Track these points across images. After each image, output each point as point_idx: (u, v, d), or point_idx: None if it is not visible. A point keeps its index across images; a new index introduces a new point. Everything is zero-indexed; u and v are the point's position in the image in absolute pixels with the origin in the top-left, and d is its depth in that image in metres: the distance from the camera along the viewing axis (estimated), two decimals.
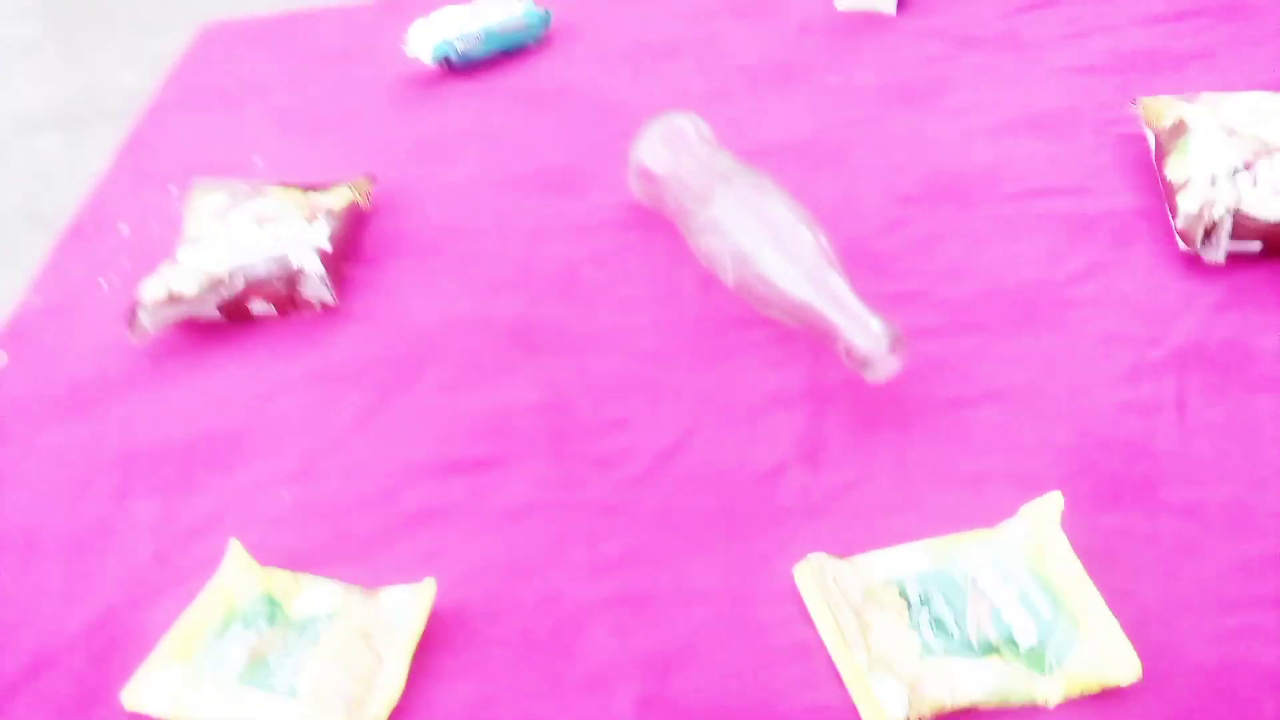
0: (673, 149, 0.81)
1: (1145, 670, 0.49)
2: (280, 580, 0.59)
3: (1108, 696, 0.49)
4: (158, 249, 0.85)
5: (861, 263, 0.72)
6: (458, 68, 1.05)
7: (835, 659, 0.52)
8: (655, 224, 0.82)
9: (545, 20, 1.10)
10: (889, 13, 1.04)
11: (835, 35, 1.03)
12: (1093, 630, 0.51)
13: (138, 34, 2.72)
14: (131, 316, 0.77)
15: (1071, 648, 0.51)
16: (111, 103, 2.32)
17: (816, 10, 1.07)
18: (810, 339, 0.69)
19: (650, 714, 0.52)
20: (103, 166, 1.03)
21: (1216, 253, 0.71)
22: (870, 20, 1.04)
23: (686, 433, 0.66)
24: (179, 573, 0.62)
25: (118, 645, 0.59)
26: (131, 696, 0.55)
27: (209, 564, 0.61)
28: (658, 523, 0.61)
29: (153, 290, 0.77)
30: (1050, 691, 0.49)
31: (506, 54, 1.08)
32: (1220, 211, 0.70)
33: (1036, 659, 0.51)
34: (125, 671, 0.57)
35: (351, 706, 0.52)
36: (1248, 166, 0.72)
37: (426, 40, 1.05)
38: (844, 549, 0.57)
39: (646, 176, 0.82)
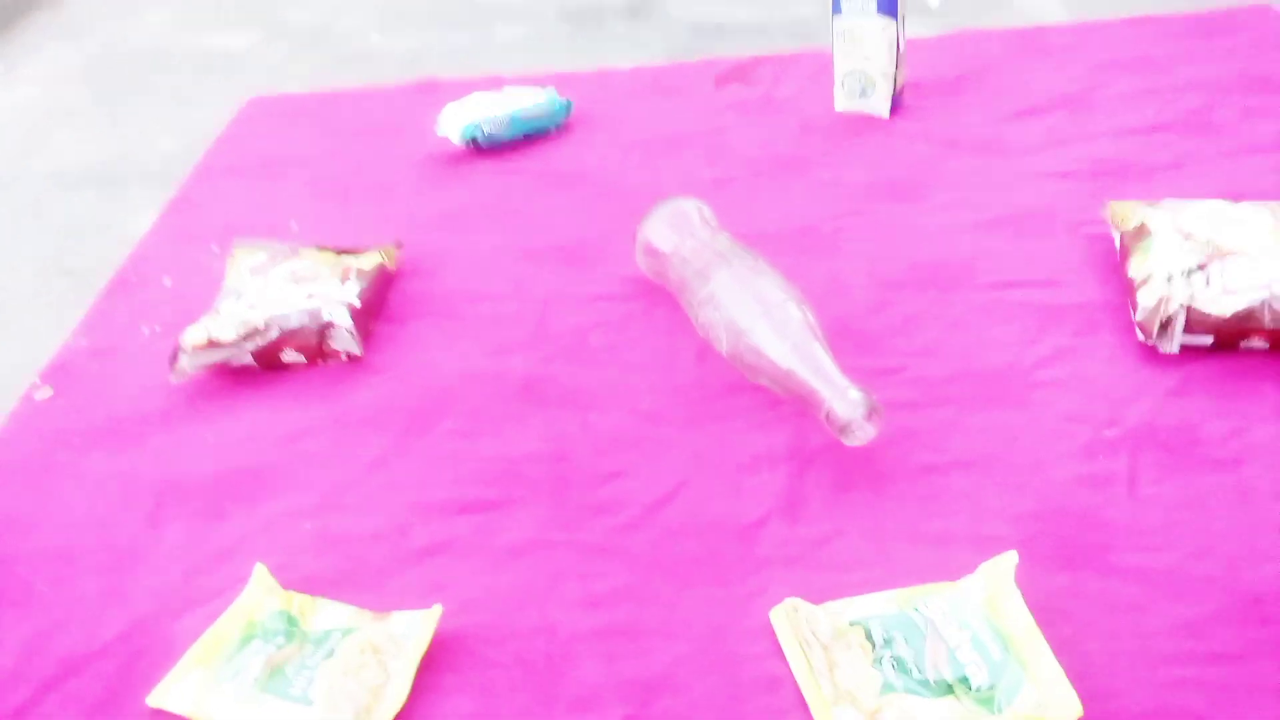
0: (677, 229, 0.88)
1: (1086, 712, 0.54)
2: (299, 601, 0.65)
3: None
4: (197, 301, 0.93)
5: (846, 340, 0.78)
6: (484, 148, 1.14)
7: (804, 691, 0.57)
8: (658, 297, 0.89)
9: (567, 109, 1.19)
10: (883, 116, 1.13)
11: (832, 134, 1.11)
12: (1039, 674, 0.56)
13: (177, 104, 2.85)
14: (173, 358, 0.84)
15: (1019, 688, 0.56)
16: (148, 165, 2.43)
17: (816, 111, 1.16)
18: (795, 405, 0.75)
19: None
20: (136, 223, 1.10)
21: (1171, 344, 0.77)
22: (865, 122, 1.13)
23: (678, 485, 0.72)
24: (204, 592, 0.68)
25: (145, 653, 0.64)
26: (157, 697, 0.60)
27: (233, 585, 0.67)
28: (647, 564, 0.66)
29: (194, 335, 0.84)
30: None
31: (529, 138, 1.16)
32: (1175, 307, 0.77)
33: (986, 698, 0.56)
34: (151, 677, 0.62)
35: (360, 714, 0.57)
36: (1202, 267, 0.78)
37: (456, 121, 1.13)
38: (817, 596, 0.63)
39: (652, 253, 0.89)
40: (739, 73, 1.26)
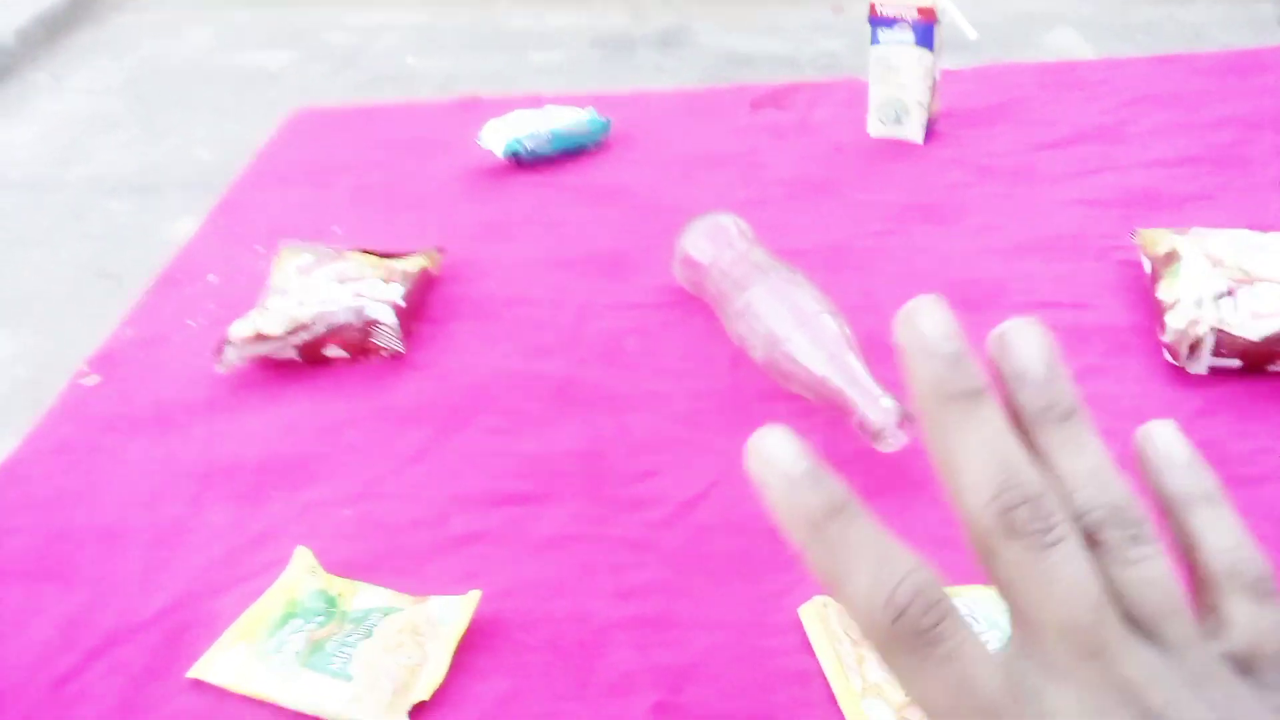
0: (715, 242, 0.90)
1: None
2: (339, 583, 0.66)
3: None
4: (242, 298, 0.95)
5: (879, 352, 0.80)
6: (525, 163, 1.16)
7: (832, 684, 0.58)
8: (693, 306, 0.91)
9: (606, 127, 1.21)
10: (917, 141, 1.15)
11: (867, 158, 1.14)
12: None
13: (214, 116, 2.91)
14: (219, 349, 0.86)
15: None
16: (185, 174, 2.48)
17: (850, 136, 1.18)
18: (827, 413, 0.76)
19: (665, 718, 0.58)
20: (173, 230, 1.14)
21: (1199, 366, 0.79)
22: (899, 147, 1.15)
23: (710, 485, 0.73)
24: (246, 572, 0.69)
25: (187, 628, 0.65)
26: (199, 669, 0.61)
27: (273, 566, 0.69)
28: (679, 559, 0.68)
29: (241, 328, 0.86)
30: None
31: (569, 154, 1.19)
32: (1204, 329, 0.78)
33: None
34: (192, 651, 0.63)
35: (398, 691, 0.59)
36: (1231, 292, 0.80)
37: (499, 136, 1.16)
38: None
39: (690, 264, 0.91)
40: (774, 98, 1.28)
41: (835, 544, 0.27)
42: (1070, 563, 0.26)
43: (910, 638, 0.25)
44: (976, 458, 0.27)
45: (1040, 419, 0.29)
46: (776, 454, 0.28)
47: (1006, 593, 0.27)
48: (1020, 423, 0.29)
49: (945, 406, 0.28)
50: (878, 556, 0.26)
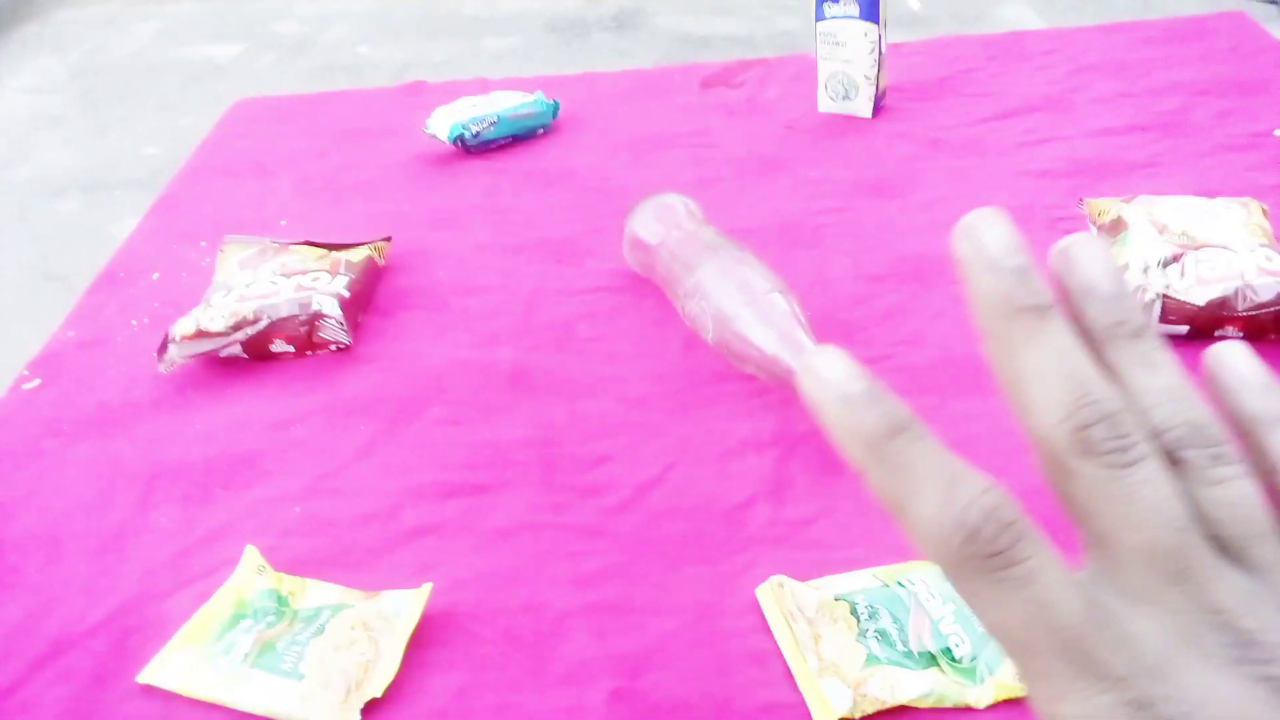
0: (663, 222, 0.89)
1: None
2: (289, 582, 0.65)
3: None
4: (186, 295, 0.93)
5: (831, 330, 0.80)
6: (471, 148, 1.15)
7: (790, 664, 0.58)
8: (644, 290, 0.90)
9: (554, 110, 1.20)
10: (866, 116, 1.14)
11: (816, 134, 1.13)
12: None
13: (161, 111, 2.85)
14: (162, 348, 0.84)
15: (1001, 659, 0.57)
16: (133, 172, 2.43)
17: (800, 112, 1.17)
18: (781, 393, 0.76)
19: (622, 706, 0.57)
20: (121, 229, 1.11)
21: None
22: (848, 122, 1.14)
23: (665, 469, 0.73)
24: (193, 574, 0.68)
25: (135, 632, 0.64)
26: (148, 674, 0.60)
27: (222, 567, 0.67)
28: (635, 544, 0.67)
29: (183, 326, 0.85)
30: (980, 695, 0.55)
31: (517, 138, 1.17)
32: (1151, 296, 0.78)
33: (969, 669, 0.57)
34: (141, 656, 0.62)
35: (351, 689, 0.58)
36: (1176, 258, 0.80)
37: (444, 122, 1.14)
38: (803, 574, 0.64)
39: (639, 246, 0.90)
40: (724, 76, 1.28)
41: (898, 464, 0.25)
42: (1151, 483, 0.24)
43: (982, 560, 0.24)
44: (1047, 374, 0.25)
45: (1110, 335, 0.27)
46: (832, 374, 0.26)
47: (1082, 515, 0.25)
48: (1089, 341, 0.27)
49: (1011, 322, 0.26)
50: (945, 476, 0.24)
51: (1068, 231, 0.93)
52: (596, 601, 0.63)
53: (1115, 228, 0.86)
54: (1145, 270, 0.80)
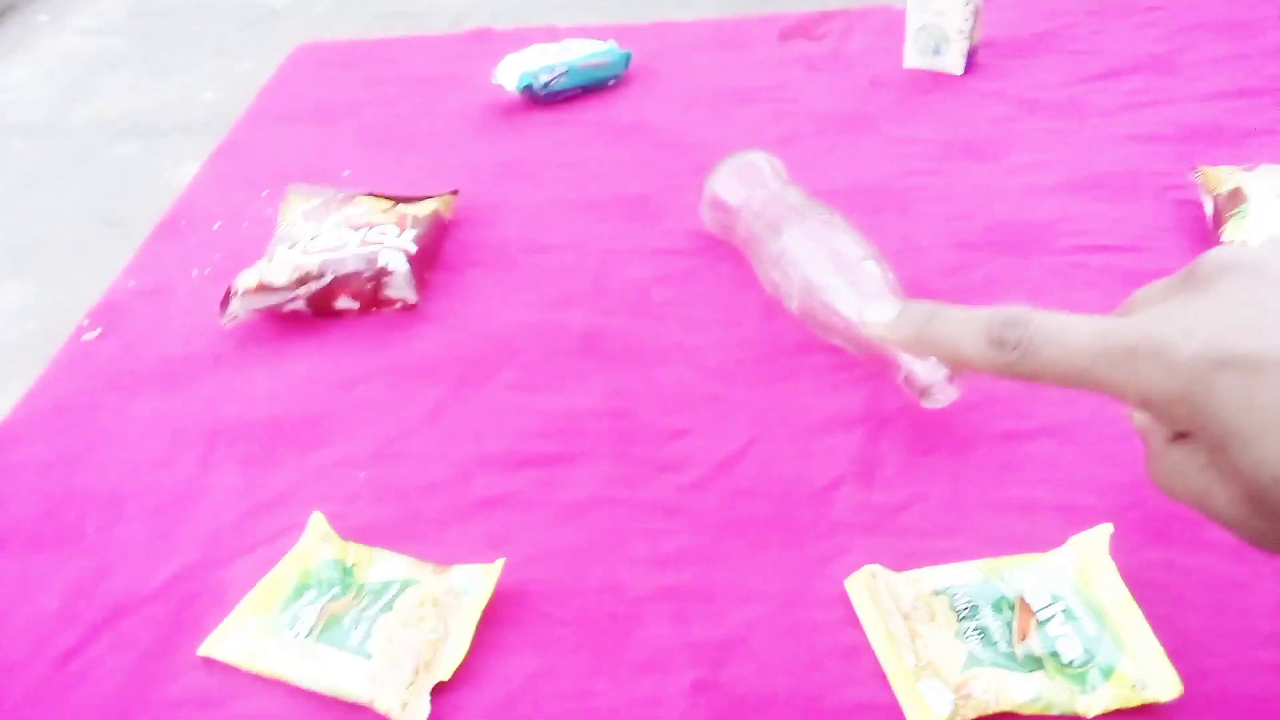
0: (746, 182, 0.84)
1: (1184, 692, 0.51)
2: (355, 551, 0.63)
3: (1145, 712, 0.51)
4: (248, 245, 0.90)
5: (925, 299, 0.75)
6: (540, 98, 1.11)
7: (883, 661, 0.54)
8: (723, 252, 0.85)
9: (626, 60, 1.15)
10: (957, 73, 1.08)
11: (903, 91, 1.07)
12: (1137, 651, 0.53)
13: (220, 56, 2.83)
14: (225, 302, 0.82)
15: (1115, 665, 0.52)
16: (190, 116, 2.41)
17: (886, 68, 1.11)
18: (869, 366, 0.72)
19: (704, 699, 0.54)
20: (179, 174, 1.09)
21: None
22: (938, 79, 1.08)
23: (746, 445, 0.69)
24: (256, 539, 0.65)
25: (196, 599, 0.62)
26: (208, 647, 0.58)
27: (284, 533, 0.65)
28: (715, 525, 0.63)
29: (246, 279, 0.82)
30: (1091, 703, 0.51)
31: (587, 90, 1.13)
32: None
33: (1079, 674, 0.53)
34: (202, 622, 0.60)
35: (419, 669, 0.55)
36: None
37: (513, 71, 1.10)
38: (895, 564, 0.60)
39: (719, 207, 0.85)
40: (804, 27, 1.22)
41: (940, 335, 0.38)
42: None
43: (1009, 350, 0.36)
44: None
45: None
46: (878, 318, 0.41)
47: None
48: None
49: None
50: (967, 318, 0.38)
51: (1178, 202, 0.87)
52: (675, 585, 0.60)
53: (1234, 199, 0.80)
54: None
